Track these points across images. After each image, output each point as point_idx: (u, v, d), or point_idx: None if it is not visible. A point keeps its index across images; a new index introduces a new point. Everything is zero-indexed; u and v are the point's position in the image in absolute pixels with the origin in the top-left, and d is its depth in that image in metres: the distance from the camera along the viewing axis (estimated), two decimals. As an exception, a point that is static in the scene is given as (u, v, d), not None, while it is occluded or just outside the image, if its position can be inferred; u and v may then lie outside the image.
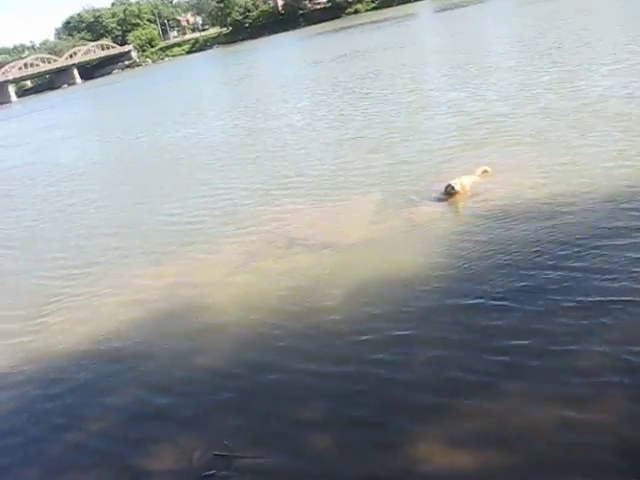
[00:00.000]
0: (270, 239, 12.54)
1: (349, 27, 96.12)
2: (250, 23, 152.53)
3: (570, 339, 7.18)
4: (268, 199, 15.34)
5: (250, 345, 8.73)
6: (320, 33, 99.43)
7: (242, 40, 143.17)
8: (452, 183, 12.59)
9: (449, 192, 12.55)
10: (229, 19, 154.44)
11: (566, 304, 7.86)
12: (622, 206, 10.29)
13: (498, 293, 8.44)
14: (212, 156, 22.65)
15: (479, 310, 8.17)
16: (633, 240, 9.05)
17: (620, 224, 9.65)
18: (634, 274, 8.18)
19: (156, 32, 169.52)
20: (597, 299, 7.82)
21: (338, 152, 18.72)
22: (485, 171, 13.31)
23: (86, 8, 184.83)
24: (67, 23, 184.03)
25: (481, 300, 8.37)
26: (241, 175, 18.70)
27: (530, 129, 16.08)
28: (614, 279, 8.17)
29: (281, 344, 8.48)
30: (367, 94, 28.02)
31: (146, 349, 9.32)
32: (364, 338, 8.13)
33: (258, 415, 7.17)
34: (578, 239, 9.43)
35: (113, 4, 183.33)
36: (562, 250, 9.22)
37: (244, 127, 27.58)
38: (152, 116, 41.21)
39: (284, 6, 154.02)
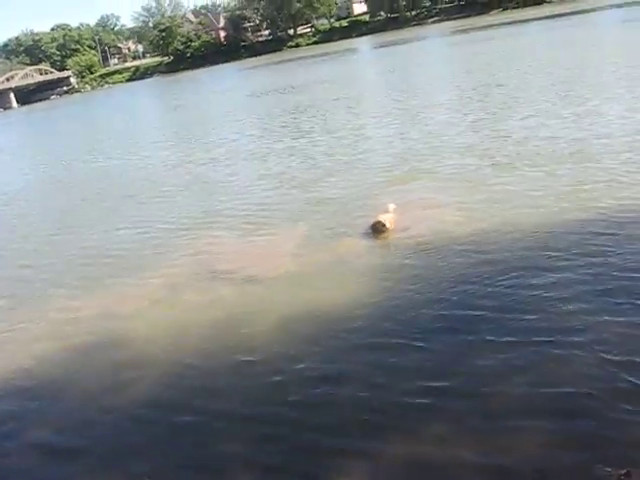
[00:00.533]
0: (194, 272, 12.38)
1: (290, 60, 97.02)
2: (191, 53, 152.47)
3: (486, 380, 7.22)
4: (193, 232, 15.15)
5: (166, 385, 8.49)
6: (261, 65, 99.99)
7: (183, 69, 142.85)
8: (382, 219, 12.70)
9: (378, 229, 12.61)
10: (170, 48, 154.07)
11: (482, 344, 7.94)
12: (538, 245, 10.56)
13: (418, 332, 8.48)
14: (140, 187, 22.36)
15: (399, 350, 8.17)
16: (547, 279, 9.25)
17: (536, 263, 9.88)
18: (548, 313, 8.35)
19: (96, 59, 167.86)
20: (512, 339, 7.92)
21: (265, 186, 18.71)
22: (394, 209, 13.47)
23: (25, 31, 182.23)
24: (5, 46, 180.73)
25: (402, 340, 8.36)
26: (166, 207, 18.45)
27: (453, 167, 16.45)
28: (528, 319, 8.31)
29: (198, 384, 8.30)
30: (299, 128, 28.18)
31: (58, 388, 8.96)
32: (281, 378, 8.01)
33: (169, 460, 6.95)
34: (495, 278, 9.59)
35: (53, 29, 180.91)
36: (481, 289, 9.37)
37: (173, 158, 27.31)
38: (84, 145, 40.51)
39: (226, 37, 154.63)
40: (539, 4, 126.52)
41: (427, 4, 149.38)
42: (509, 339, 7.97)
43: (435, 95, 30.89)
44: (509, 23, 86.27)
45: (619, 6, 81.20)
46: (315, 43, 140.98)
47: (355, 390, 7.55)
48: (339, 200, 15.66)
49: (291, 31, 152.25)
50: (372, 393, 7.42)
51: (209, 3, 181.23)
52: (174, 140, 33.53)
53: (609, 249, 9.94)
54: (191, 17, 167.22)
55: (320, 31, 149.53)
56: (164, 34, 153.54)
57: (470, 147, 18.21)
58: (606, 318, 8.03)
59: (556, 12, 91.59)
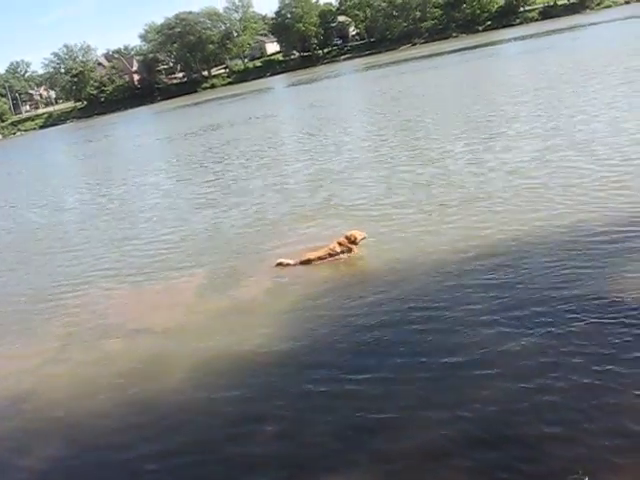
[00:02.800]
0: (84, 326, 11.96)
1: (205, 102, 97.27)
2: (105, 97, 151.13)
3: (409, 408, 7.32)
4: (84, 283, 14.68)
5: (42, 450, 8.16)
6: (176, 108, 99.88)
7: (98, 114, 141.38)
8: (283, 261, 12.82)
9: (281, 264, 12.79)
10: (83, 93, 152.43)
11: (396, 371, 8.07)
12: (470, 278, 10.65)
13: (327, 369, 8.48)
14: (31, 235, 21.87)
15: (312, 395, 8.04)
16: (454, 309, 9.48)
17: (462, 296, 9.95)
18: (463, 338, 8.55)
19: (7, 106, 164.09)
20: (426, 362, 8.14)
21: (162, 229, 18.50)
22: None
23: None
24: None
25: (311, 378, 8.32)
26: (55, 258, 17.78)
27: (361, 201, 16.73)
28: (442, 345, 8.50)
29: (91, 442, 8.05)
30: (207, 170, 28.10)
31: None
32: (160, 451, 7.62)
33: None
34: (405, 309, 9.73)
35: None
36: (387, 320, 9.48)
37: (74, 205, 26.85)
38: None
39: (140, 80, 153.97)
40: (445, 39, 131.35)
41: (338, 42, 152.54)
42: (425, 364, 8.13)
43: (348, 131, 31.40)
44: (418, 58, 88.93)
45: (516, 39, 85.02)
46: (230, 83, 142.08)
47: (275, 428, 7.53)
48: (240, 239, 15.67)
49: (205, 72, 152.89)
50: (293, 430, 7.42)
51: (121, 47, 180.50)
52: (82, 188, 32.57)
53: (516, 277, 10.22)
54: (103, 61, 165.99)
55: (235, 71, 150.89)
56: (76, 79, 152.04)
57: (379, 181, 18.58)
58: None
59: (463, 46, 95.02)
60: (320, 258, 12.75)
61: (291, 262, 12.78)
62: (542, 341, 8.11)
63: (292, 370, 8.74)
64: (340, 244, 12.78)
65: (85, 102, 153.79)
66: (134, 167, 36.09)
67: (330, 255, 12.74)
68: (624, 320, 8.16)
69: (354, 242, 12.74)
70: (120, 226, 20.37)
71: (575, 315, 8.55)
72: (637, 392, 6.78)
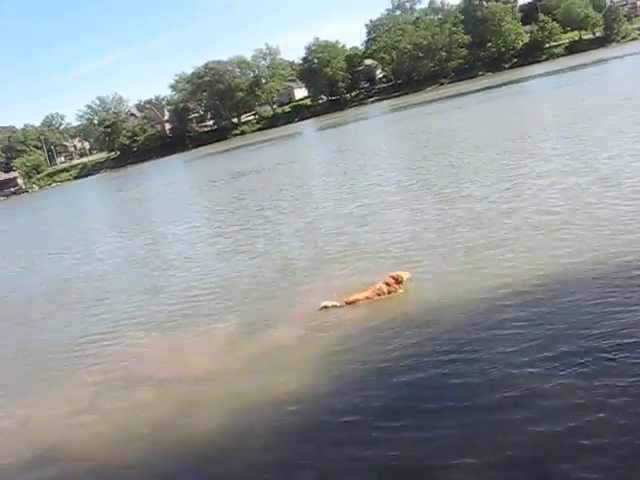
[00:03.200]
0: (115, 375, 12.09)
1: (235, 148, 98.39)
2: (138, 147, 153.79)
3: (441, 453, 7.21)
4: (114, 332, 14.84)
5: None
6: (206, 155, 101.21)
7: (130, 164, 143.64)
8: (327, 303, 12.90)
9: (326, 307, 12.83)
10: (116, 143, 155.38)
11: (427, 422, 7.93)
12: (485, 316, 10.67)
13: (372, 417, 8.41)
14: (63, 286, 22.19)
15: (343, 443, 8.01)
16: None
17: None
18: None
19: (43, 158, 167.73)
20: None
21: (192, 277, 18.58)
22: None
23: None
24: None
25: (346, 434, 8.24)
26: (87, 308, 17.96)
27: (396, 247, 16.71)
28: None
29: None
30: (236, 219, 28.31)
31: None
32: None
33: None
34: (438, 357, 9.61)
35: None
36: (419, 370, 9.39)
37: (103, 255, 27.13)
38: (32, 246, 40.00)
39: (171, 129, 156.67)
40: (472, 78, 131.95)
41: (365, 85, 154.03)
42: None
43: (373, 175, 31.49)
44: (445, 98, 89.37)
45: (541, 75, 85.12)
46: (259, 129, 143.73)
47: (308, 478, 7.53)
48: (270, 285, 15.71)
49: (235, 119, 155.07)
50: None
51: (152, 97, 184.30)
52: (105, 238, 33.18)
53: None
54: (135, 112, 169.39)
55: (264, 117, 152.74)
56: (109, 130, 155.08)
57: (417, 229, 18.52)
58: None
59: (489, 84, 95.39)
60: (367, 298, 12.79)
61: (337, 303, 12.84)
62: (575, 382, 8.01)
63: (325, 418, 8.72)
64: (387, 284, 12.85)
65: (118, 152, 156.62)
66: (163, 215, 36.55)
67: (377, 295, 12.78)
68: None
69: (400, 282, 12.82)
70: (150, 275, 20.57)
71: (606, 354, 8.45)
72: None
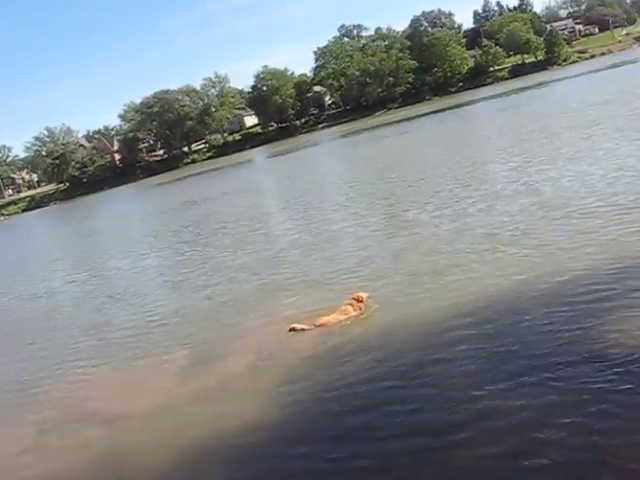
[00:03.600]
0: (62, 413, 11.83)
1: (186, 177, 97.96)
2: (87, 178, 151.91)
3: None
4: (61, 369, 14.51)
5: None
6: (157, 184, 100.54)
7: (81, 195, 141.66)
8: (296, 326, 12.81)
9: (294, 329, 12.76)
10: (65, 175, 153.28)
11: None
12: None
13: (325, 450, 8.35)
14: (3, 325, 21.81)
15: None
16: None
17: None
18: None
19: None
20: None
21: (139, 311, 18.31)
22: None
23: None
24: None
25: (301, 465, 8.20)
26: (32, 346, 17.50)
27: (343, 271, 16.79)
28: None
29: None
30: (185, 250, 28.18)
31: None
32: None
33: None
34: (392, 376, 9.68)
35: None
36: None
37: (48, 292, 26.26)
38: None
39: (121, 159, 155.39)
40: (419, 102, 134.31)
41: (315, 111, 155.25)
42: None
43: (320, 202, 31.73)
44: (393, 123, 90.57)
45: (487, 98, 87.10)
46: (210, 158, 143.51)
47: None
48: (216, 316, 15.62)
49: (185, 148, 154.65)
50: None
51: (101, 127, 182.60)
52: (48, 274, 32.42)
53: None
54: (84, 142, 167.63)
55: (214, 146, 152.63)
56: (58, 161, 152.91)
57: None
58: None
59: (435, 108, 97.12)
60: (336, 320, 12.79)
61: (305, 327, 12.79)
62: (517, 401, 8.10)
63: (278, 451, 8.59)
64: (351, 305, 12.96)
65: (67, 183, 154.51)
66: (112, 249, 36.18)
67: (345, 314, 12.83)
68: (613, 377, 8.11)
69: (361, 301, 12.98)
70: (98, 309, 20.12)
71: (548, 373, 8.56)
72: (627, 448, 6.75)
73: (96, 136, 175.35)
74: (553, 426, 7.43)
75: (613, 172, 19.64)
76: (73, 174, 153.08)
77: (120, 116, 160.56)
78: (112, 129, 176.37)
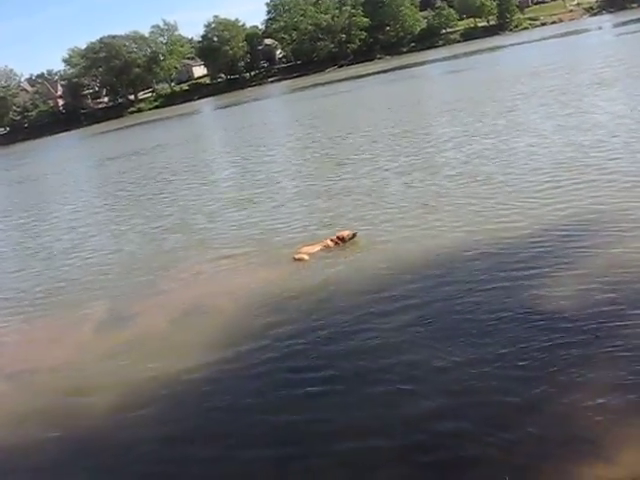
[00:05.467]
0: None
1: (131, 126, 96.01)
2: (29, 123, 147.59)
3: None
4: None
5: None
6: (102, 132, 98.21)
7: (21, 140, 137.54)
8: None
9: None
10: (6, 119, 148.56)
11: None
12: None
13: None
14: None
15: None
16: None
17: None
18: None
19: None
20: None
21: (61, 261, 18.01)
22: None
23: None
24: None
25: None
26: None
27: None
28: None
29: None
30: (135, 195, 27.92)
31: None
32: None
33: None
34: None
35: None
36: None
37: None
38: None
39: (65, 105, 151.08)
40: (370, 60, 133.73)
41: (265, 65, 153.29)
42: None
43: (270, 154, 31.59)
44: (345, 79, 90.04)
45: (437, 60, 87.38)
46: (157, 107, 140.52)
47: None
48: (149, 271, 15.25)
49: (132, 96, 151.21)
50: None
51: (45, 71, 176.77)
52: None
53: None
54: (27, 86, 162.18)
55: (161, 95, 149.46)
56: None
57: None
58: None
59: (387, 67, 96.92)
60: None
61: (305, 256, 13.16)
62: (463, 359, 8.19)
63: (192, 407, 8.48)
64: (333, 241, 13.50)
65: (7, 128, 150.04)
66: (48, 197, 35.39)
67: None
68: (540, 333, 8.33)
69: (344, 240, 13.43)
70: (22, 258, 19.70)
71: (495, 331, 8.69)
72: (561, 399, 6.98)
73: (39, 80, 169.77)
74: (482, 380, 7.63)
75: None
76: (14, 118, 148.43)
77: (65, 60, 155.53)
78: (56, 74, 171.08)
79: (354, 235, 13.59)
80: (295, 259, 13.21)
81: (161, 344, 10.72)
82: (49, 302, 14.19)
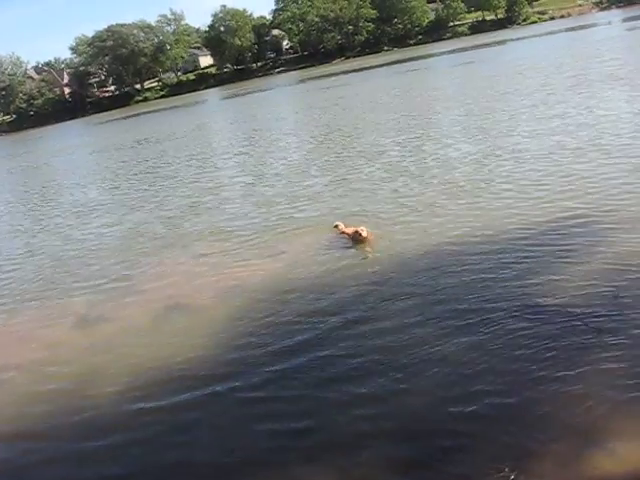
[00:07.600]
0: None
1: (137, 115, 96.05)
2: (35, 111, 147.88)
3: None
4: None
5: None
6: (108, 121, 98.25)
7: (27, 128, 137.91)
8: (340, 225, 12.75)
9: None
10: (12, 107, 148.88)
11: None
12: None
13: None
14: None
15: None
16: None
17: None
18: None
19: None
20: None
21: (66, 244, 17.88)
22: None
23: None
24: None
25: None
26: None
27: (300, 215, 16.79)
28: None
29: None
30: (144, 189, 27.89)
31: None
32: None
33: None
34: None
35: None
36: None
37: None
38: None
39: (71, 94, 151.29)
40: (377, 52, 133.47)
41: (272, 55, 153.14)
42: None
43: (274, 145, 31.51)
44: (351, 71, 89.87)
45: (445, 53, 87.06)
46: (163, 97, 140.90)
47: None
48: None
49: (138, 85, 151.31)
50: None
51: (51, 59, 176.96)
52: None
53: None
54: (33, 74, 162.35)
55: (168, 85, 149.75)
56: (4, 92, 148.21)
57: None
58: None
59: (394, 59, 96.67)
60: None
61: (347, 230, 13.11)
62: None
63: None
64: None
65: (14, 115, 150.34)
66: (52, 183, 35.37)
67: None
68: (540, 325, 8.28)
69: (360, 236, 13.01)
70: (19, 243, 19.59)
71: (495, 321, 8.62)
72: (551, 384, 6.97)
73: (45, 68, 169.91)
74: (481, 370, 7.61)
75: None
76: (20, 106, 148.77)
77: (71, 49, 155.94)
78: (62, 62, 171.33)
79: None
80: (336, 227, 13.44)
81: (147, 339, 10.36)
82: (38, 291, 13.89)
